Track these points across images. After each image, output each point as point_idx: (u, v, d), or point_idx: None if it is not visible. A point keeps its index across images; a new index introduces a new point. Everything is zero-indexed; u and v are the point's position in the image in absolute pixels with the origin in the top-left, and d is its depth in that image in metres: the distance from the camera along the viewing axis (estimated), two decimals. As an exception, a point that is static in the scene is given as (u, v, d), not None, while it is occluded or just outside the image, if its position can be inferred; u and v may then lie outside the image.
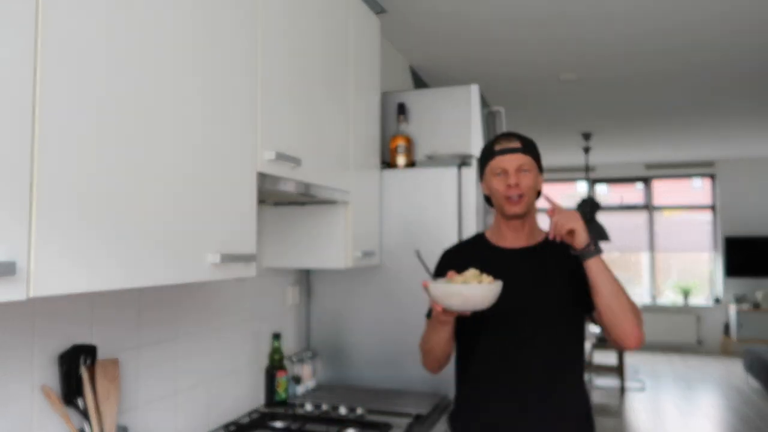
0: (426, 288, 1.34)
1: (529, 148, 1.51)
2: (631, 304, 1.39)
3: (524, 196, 1.48)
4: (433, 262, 2.22)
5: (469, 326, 1.50)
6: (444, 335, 1.45)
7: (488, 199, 1.59)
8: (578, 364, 1.48)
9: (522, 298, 1.47)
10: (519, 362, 1.44)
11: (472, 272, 1.35)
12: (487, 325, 1.48)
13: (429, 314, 1.54)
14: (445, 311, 1.34)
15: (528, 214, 1.53)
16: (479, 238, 1.63)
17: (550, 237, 1.40)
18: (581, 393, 1.48)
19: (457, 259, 1.59)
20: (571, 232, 1.37)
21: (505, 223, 1.55)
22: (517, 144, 1.49)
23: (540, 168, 1.55)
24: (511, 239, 1.56)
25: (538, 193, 1.55)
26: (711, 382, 6.36)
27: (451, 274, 1.37)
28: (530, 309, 1.46)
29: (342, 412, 1.93)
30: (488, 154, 1.53)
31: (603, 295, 1.36)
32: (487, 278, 1.34)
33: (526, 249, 1.53)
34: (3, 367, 1.15)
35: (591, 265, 1.37)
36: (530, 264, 1.50)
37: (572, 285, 1.48)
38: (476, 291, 1.28)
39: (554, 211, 1.39)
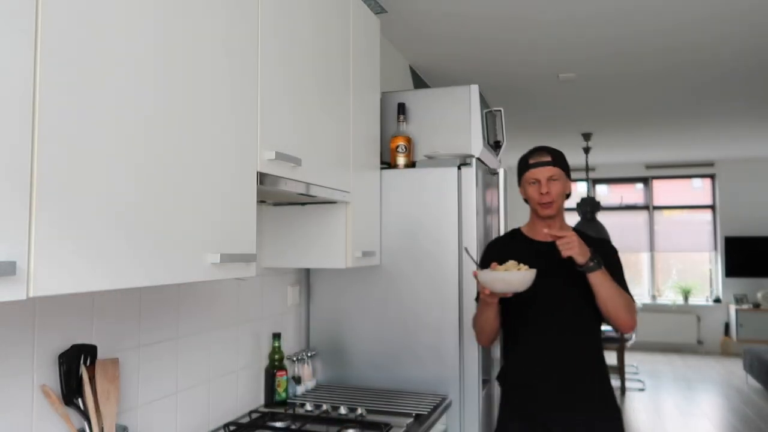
0: (476, 276, 1.68)
1: (558, 160, 1.83)
2: (626, 302, 1.74)
3: (554, 201, 1.81)
4: (432, 261, 2.23)
5: (512, 306, 1.84)
6: (491, 314, 1.81)
7: (526, 200, 1.91)
8: (597, 332, 1.83)
9: (553, 283, 1.80)
10: (550, 331, 1.80)
11: (511, 263, 1.69)
12: (525, 305, 1.82)
13: (477, 298, 1.92)
14: (491, 294, 1.68)
15: (558, 214, 1.86)
16: (516, 233, 1.96)
17: (558, 235, 1.71)
18: (598, 353, 1.82)
19: (499, 249, 1.93)
20: (570, 257, 1.71)
21: (539, 221, 1.88)
22: (547, 158, 1.81)
23: (568, 175, 1.87)
24: (543, 234, 1.86)
25: (568, 195, 1.88)
26: (711, 382, 6.36)
27: (494, 265, 1.70)
28: (559, 291, 1.81)
29: (342, 412, 1.93)
30: (524, 166, 1.86)
31: (601, 298, 1.73)
32: (523, 267, 1.66)
33: (555, 242, 1.78)
34: (3, 367, 1.15)
35: (591, 278, 1.71)
36: (559, 254, 1.76)
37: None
38: (516, 276, 1.61)
39: (557, 239, 1.70)
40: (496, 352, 2.54)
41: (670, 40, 3.33)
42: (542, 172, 1.81)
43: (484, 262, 1.91)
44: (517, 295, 1.74)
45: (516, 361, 1.86)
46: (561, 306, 1.80)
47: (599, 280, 1.70)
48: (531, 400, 1.80)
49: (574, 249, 1.68)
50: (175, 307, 1.65)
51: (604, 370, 1.82)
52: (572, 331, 1.79)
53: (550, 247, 1.80)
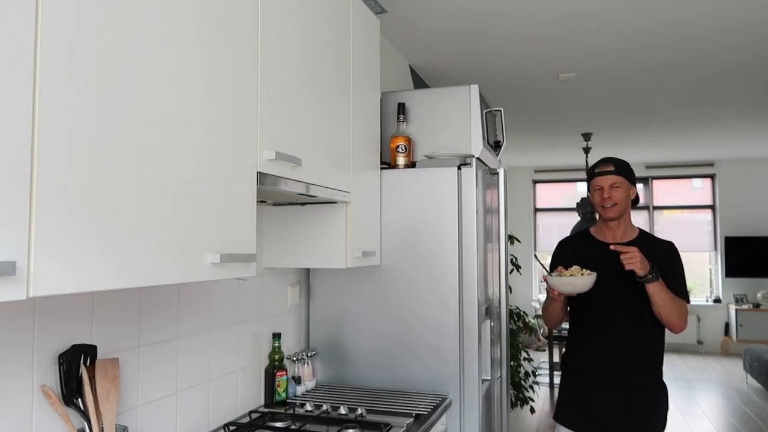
0: (546, 280, 2.01)
1: (621, 169, 2.07)
2: (678, 309, 1.96)
3: (616, 205, 2.06)
4: (432, 261, 2.23)
5: (576, 302, 2.14)
6: (558, 307, 2.12)
7: (590, 212, 2.34)
8: (654, 329, 2.03)
9: (614, 280, 2.05)
10: (608, 325, 2.05)
11: (575, 268, 1.99)
12: (586, 302, 2.10)
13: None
14: (559, 294, 2.01)
15: (621, 218, 2.10)
16: (586, 233, 2.23)
17: (622, 251, 1.95)
18: (654, 354, 2.03)
19: (569, 248, 2.22)
20: (631, 271, 1.94)
21: (604, 224, 2.15)
22: (611, 167, 2.07)
23: (632, 182, 2.10)
24: (609, 236, 2.14)
25: (634, 201, 2.13)
26: (711, 382, 6.36)
27: (560, 269, 2.02)
28: (618, 291, 2.04)
29: (342, 412, 1.93)
30: (591, 175, 2.13)
31: (656, 305, 1.96)
32: (586, 272, 1.95)
33: (620, 243, 2.07)
34: (3, 367, 1.15)
35: (648, 288, 1.94)
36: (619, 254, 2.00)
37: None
38: (579, 281, 1.93)
39: (622, 253, 1.94)
40: (497, 352, 2.54)
41: (670, 39, 3.33)
42: (605, 180, 2.07)
43: (556, 260, 2.23)
44: (581, 294, 2.03)
45: (577, 348, 2.14)
46: (618, 304, 2.04)
47: (655, 290, 1.93)
48: (589, 381, 2.09)
49: (636, 264, 1.90)
50: (175, 307, 1.65)
51: (655, 365, 2.04)
52: (627, 328, 2.03)
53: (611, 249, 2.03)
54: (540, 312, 6.16)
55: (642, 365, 2.02)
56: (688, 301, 2.02)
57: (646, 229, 8.45)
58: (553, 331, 6.32)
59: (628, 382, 2.02)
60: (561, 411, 2.18)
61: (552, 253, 2.29)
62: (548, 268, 2.16)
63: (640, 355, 2.02)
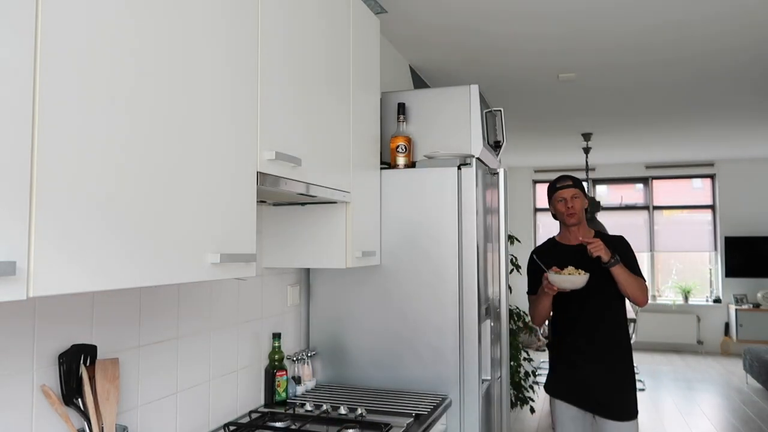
0: (547, 277, 2.33)
1: (577, 184, 2.51)
2: (639, 285, 2.37)
3: (576, 213, 2.48)
4: (432, 261, 2.24)
5: (564, 296, 2.47)
6: (547, 302, 2.47)
7: (554, 215, 2.59)
8: (621, 311, 2.47)
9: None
10: (586, 312, 2.45)
11: (571, 268, 2.34)
12: (573, 293, 2.43)
13: (530, 291, 2.60)
14: (558, 290, 2.34)
15: (580, 222, 2.51)
16: (552, 240, 2.63)
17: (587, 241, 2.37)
18: (623, 331, 2.45)
19: (544, 254, 2.55)
20: (598, 257, 2.34)
21: (567, 229, 2.55)
22: (570, 182, 2.50)
23: (585, 195, 2.53)
24: (572, 238, 2.53)
25: (586, 209, 2.55)
26: (711, 382, 6.36)
27: (555, 268, 2.37)
28: (591, 281, 2.38)
29: (342, 412, 1.93)
30: (553, 189, 2.53)
31: (621, 285, 2.36)
32: (581, 271, 2.32)
33: (581, 244, 2.46)
34: (3, 367, 1.15)
35: (613, 271, 2.35)
36: (584, 253, 2.43)
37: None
38: (578, 279, 2.30)
39: (588, 243, 2.35)
40: (497, 352, 2.54)
41: (670, 39, 3.33)
42: (567, 192, 2.49)
43: (534, 265, 2.55)
44: (574, 290, 2.39)
45: (563, 329, 2.51)
46: (593, 292, 2.42)
47: (618, 272, 2.34)
48: (572, 351, 2.47)
49: (600, 251, 2.32)
50: (175, 307, 1.65)
51: (622, 332, 2.45)
52: (600, 308, 2.44)
53: (580, 248, 2.46)
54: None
55: (614, 339, 2.43)
56: (645, 280, 2.43)
57: (646, 229, 8.46)
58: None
59: (605, 354, 2.42)
60: (552, 383, 2.54)
61: (528, 261, 2.62)
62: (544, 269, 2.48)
63: (611, 331, 2.43)
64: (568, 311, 2.50)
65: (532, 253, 2.58)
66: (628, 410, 2.36)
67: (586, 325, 2.45)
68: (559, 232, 2.62)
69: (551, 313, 2.56)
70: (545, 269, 2.40)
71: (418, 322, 2.25)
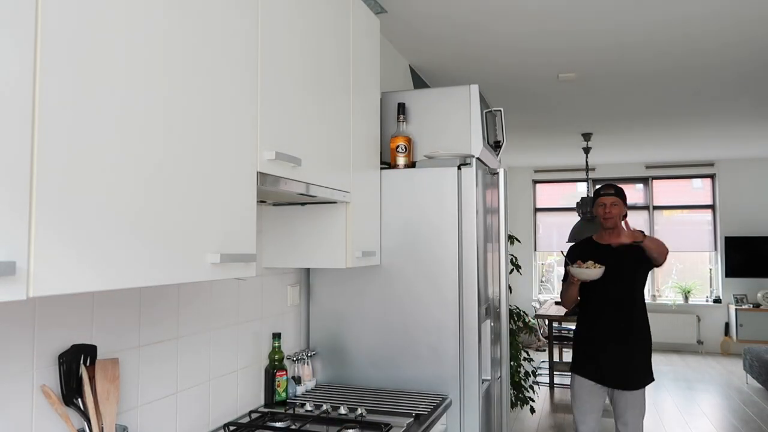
0: (570, 270, 2.85)
1: (618, 193, 2.93)
2: (662, 250, 2.81)
3: (613, 218, 2.90)
4: (432, 261, 2.24)
5: (589, 286, 2.95)
6: (575, 290, 2.96)
7: (594, 217, 3.18)
8: (642, 300, 2.92)
9: (614, 270, 2.89)
10: (612, 302, 2.89)
11: (590, 262, 2.82)
12: (596, 284, 2.91)
13: (564, 280, 3.05)
14: (577, 280, 2.87)
15: (616, 226, 2.92)
16: (590, 239, 3.07)
17: (625, 241, 2.81)
18: (644, 321, 2.89)
19: (581, 249, 3.03)
20: (631, 241, 2.80)
21: (604, 230, 3.00)
22: (612, 191, 2.93)
23: (625, 204, 2.95)
24: (606, 239, 2.97)
25: (624, 216, 2.93)
26: (711, 382, 6.36)
27: (579, 262, 2.84)
28: (618, 275, 2.87)
29: (342, 412, 1.93)
30: (597, 194, 2.98)
31: (652, 251, 2.79)
32: (598, 265, 2.79)
33: (616, 245, 2.90)
34: (3, 367, 1.15)
35: (644, 245, 2.80)
36: (617, 252, 2.92)
37: (637, 261, 2.89)
38: (593, 272, 2.78)
39: (623, 232, 2.80)
40: (497, 352, 2.54)
41: (670, 38, 3.33)
42: (607, 200, 2.91)
43: (571, 258, 3.03)
44: (594, 280, 2.85)
45: (587, 321, 2.96)
46: (616, 284, 2.88)
47: (646, 245, 2.78)
48: (599, 334, 2.90)
49: (626, 238, 2.77)
50: (175, 307, 1.65)
51: (643, 317, 2.89)
52: (624, 297, 2.88)
53: (611, 248, 2.93)
54: (540, 312, 6.18)
55: (635, 324, 2.85)
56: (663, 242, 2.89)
57: (646, 229, 8.47)
58: (553, 331, 6.32)
59: (626, 338, 2.85)
60: (577, 365, 2.97)
61: (566, 252, 3.11)
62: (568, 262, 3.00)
63: (633, 316, 2.85)
64: (593, 300, 2.95)
65: (574, 247, 3.10)
66: (643, 381, 2.85)
67: (611, 311, 2.89)
68: (599, 232, 3.08)
69: (578, 300, 3.05)
70: (569, 262, 2.95)
71: (418, 322, 2.25)
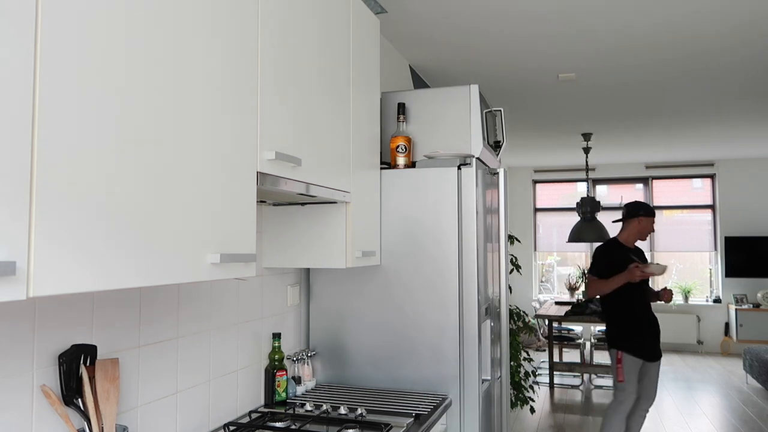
0: (637, 266, 3.40)
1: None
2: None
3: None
4: (432, 261, 2.24)
5: (634, 283, 3.52)
6: (620, 285, 3.50)
7: (626, 221, 3.66)
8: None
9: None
10: (645, 298, 3.57)
11: (655, 262, 4.53)
12: (636, 282, 3.52)
13: (598, 275, 3.59)
14: (643, 276, 3.43)
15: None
16: (617, 241, 3.64)
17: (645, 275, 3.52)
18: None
19: (611, 251, 3.60)
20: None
21: (635, 239, 3.62)
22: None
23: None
24: (630, 243, 3.62)
25: (618, 220, 3.73)
26: (711, 382, 6.36)
27: (637, 264, 3.44)
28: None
29: (342, 412, 1.93)
30: (650, 213, 3.57)
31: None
32: (663, 264, 3.67)
33: (638, 248, 3.64)
34: (3, 367, 1.15)
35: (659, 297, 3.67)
36: (639, 255, 3.62)
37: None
38: (665, 269, 3.37)
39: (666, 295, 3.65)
40: (497, 352, 2.54)
41: (670, 39, 3.33)
42: (654, 222, 3.60)
43: (601, 260, 3.58)
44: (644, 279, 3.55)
45: (641, 309, 3.53)
46: (645, 282, 3.55)
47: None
48: (646, 324, 3.53)
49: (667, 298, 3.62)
50: (175, 307, 1.65)
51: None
52: (648, 295, 3.59)
53: (636, 252, 3.60)
54: (540, 312, 6.18)
55: (655, 315, 3.57)
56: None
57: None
58: (553, 331, 6.32)
59: (657, 324, 3.58)
60: (636, 348, 3.50)
61: (594, 253, 3.64)
62: (594, 265, 3.61)
63: (652, 310, 3.56)
64: (636, 295, 3.55)
65: (611, 247, 3.59)
66: (660, 354, 3.62)
67: (647, 305, 3.58)
68: (626, 236, 3.61)
69: (619, 299, 3.59)
70: (635, 259, 3.55)
71: (418, 321, 2.25)
